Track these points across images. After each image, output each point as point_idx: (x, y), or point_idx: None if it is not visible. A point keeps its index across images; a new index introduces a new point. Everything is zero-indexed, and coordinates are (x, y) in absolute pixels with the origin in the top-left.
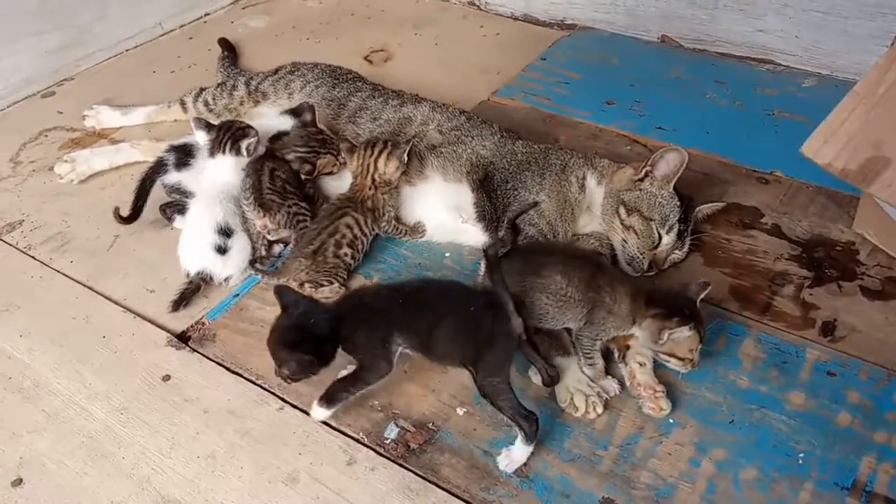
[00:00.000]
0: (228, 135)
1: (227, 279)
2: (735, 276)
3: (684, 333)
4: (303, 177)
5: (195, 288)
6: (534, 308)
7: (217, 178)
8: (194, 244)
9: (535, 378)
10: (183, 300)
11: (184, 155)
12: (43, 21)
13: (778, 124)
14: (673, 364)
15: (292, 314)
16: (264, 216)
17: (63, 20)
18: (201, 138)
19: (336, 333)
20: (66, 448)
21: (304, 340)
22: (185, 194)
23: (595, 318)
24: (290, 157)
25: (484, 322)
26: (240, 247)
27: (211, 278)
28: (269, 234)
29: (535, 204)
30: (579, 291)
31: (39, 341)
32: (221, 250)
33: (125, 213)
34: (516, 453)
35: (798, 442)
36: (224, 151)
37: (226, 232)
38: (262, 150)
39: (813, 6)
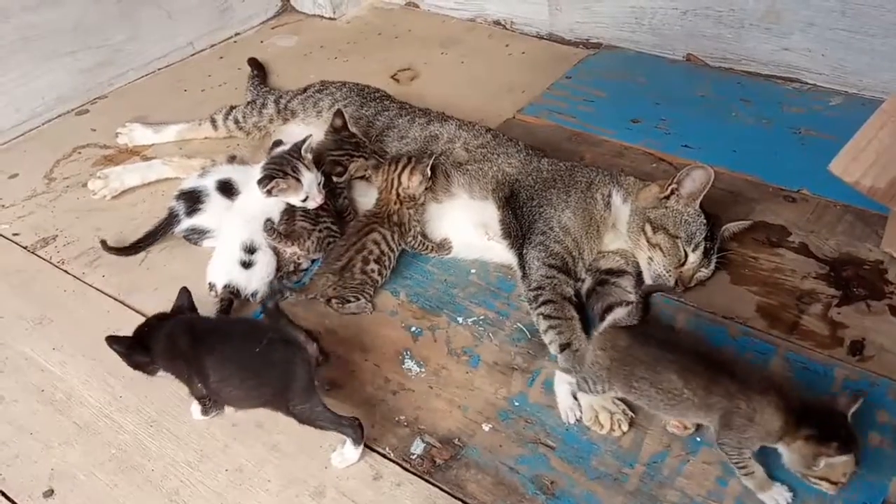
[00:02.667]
0: (265, 171)
1: (253, 294)
2: (762, 294)
3: (842, 459)
4: (334, 179)
5: (229, 302)
6: (640, 390)
7: (251, 199)
8: (221, 259)
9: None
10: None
11: (193, 202)
12: (77, 41)
13: (805, 142)
14: (823, 487)
15: (161, 317)
16: (292, 245)
17: (97, 40)
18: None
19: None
20: (97, 460)
21: (134, 339)
22: (203, 233)
23: (733, 424)
24: (324, 160)
25: (276, 358)
26: (264, 262)
27: (238, 292)
28: (299, 259)
29: (672, 289)
30: (697, 396)
31: (72, 354)
32: (246, 265)
33: (117, 243)
34: (348, 454)
35: None
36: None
37: (250, 249)
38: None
39: (839, 25)
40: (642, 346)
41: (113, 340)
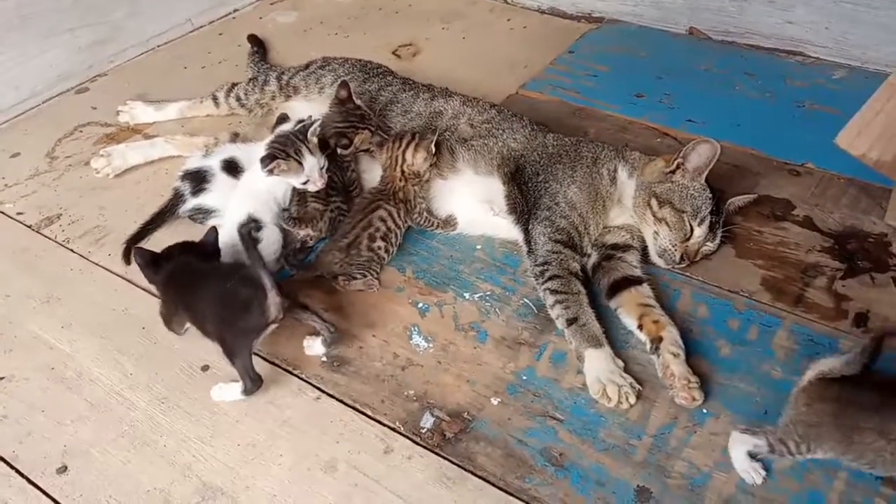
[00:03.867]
0: (268, 150)
1: None
2: (767, 267)
3: None
4: (339, 152)
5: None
6: (865, 444)
7: (255, 176)
8: (226, 236)
9: (315, 346)
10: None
11: (198, 181)
12: (76, 18)
13: (808, 116)
14: None
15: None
16: (306, 227)
17: (96, 17)
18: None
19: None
20: (109, 436)
21: (154, 256)
22: (208, 213)
23: None
24: (328, 133)
25: (240, 293)
26: (270, 239)
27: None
28: (310, 240)
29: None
30: None
31: (80, 332)
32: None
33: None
34: (227, 391)
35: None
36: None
37: (255, 226)
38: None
39: None
40: (861, 392)
41: (138, 252)
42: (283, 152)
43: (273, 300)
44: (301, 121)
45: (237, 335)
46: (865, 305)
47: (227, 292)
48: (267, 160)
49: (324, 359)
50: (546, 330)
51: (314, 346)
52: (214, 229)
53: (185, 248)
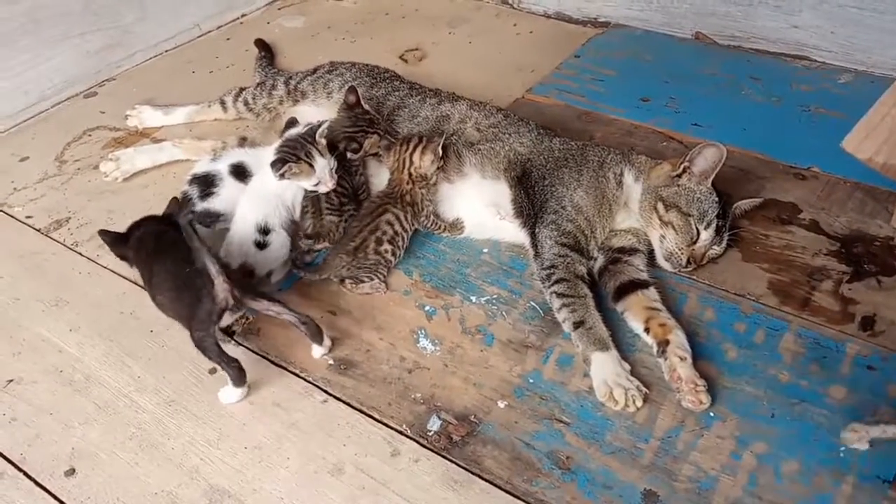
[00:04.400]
0: (278, 154)
1: (269, 274)
2: (773, 271)
3: None
4: (349, 156)
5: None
6: None
7: (264, 180)
8: (236, 240)
9: (315, 350)
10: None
11: (206, 185)
12: (85, 23)
13: (814, 120)
14: None
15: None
16: (324, 242)
17: (105, 22)
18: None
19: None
20: (117, 439)
21: (118, 235)
22: (216, 217)
23: None
24: (338, 137)
25: (194, 282)
26: (279, 243)
27: (253, 272)
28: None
29: None
30: None
31: (88, 335)
32: (260, 246)
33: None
34: (227, 394)
35: (839, 436)
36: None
37: (264, 230)
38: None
39: (848, 2)
40: None
41: (101, 234)
42: (293, 156)
43: (220, 287)
44: (310, 124)
45: (194, 323)
46: (872, 309)
47: (182, 280)
48: (278, 164)
49: (330, 361)
50: (553, 333)
51: (315, 350)
52: (175, 200)
53: (147, 221)
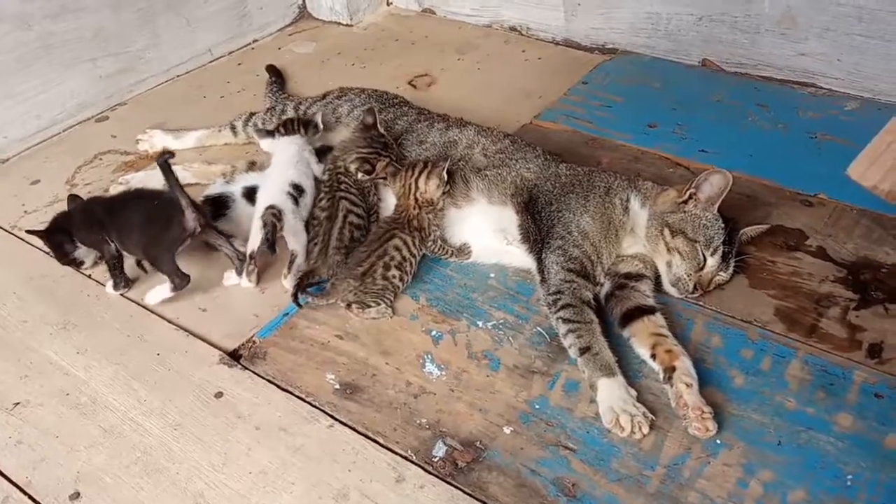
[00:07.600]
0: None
1: (292, 255)
2: (780, 297)
3: None
4: (360, 177)
5: (272, 227)
6: None
7: (290, 151)
8: (270, 187)
9: (231, 277)
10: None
11: (218, 207)
12: (98, 48)
13: (821, 147)
14: None
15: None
16: (316, 277)
17: (117, 47)
18: (267, 145)
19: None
20: (123, 463)
21: (50, 228)
22: (226, 237)
23: None
24: (350, 158)
25: (163, 211)
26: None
27: (280, 215)
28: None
29: None
30: None
31: (95, 358)
32: (294, 199)
33: None
34: (158, 291)
35: (846, 464)
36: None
37: (298, 189)
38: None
39: (855, 30)
40: None
41: (31, 233)
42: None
43: (190, 216)
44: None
45: (161, 247)
46: (879, 336)
47: (151, 212)
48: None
49: (336, 386)
50: (559, 359)
51: (230, 277)
52: (73, 195)
53: (66, 213)
